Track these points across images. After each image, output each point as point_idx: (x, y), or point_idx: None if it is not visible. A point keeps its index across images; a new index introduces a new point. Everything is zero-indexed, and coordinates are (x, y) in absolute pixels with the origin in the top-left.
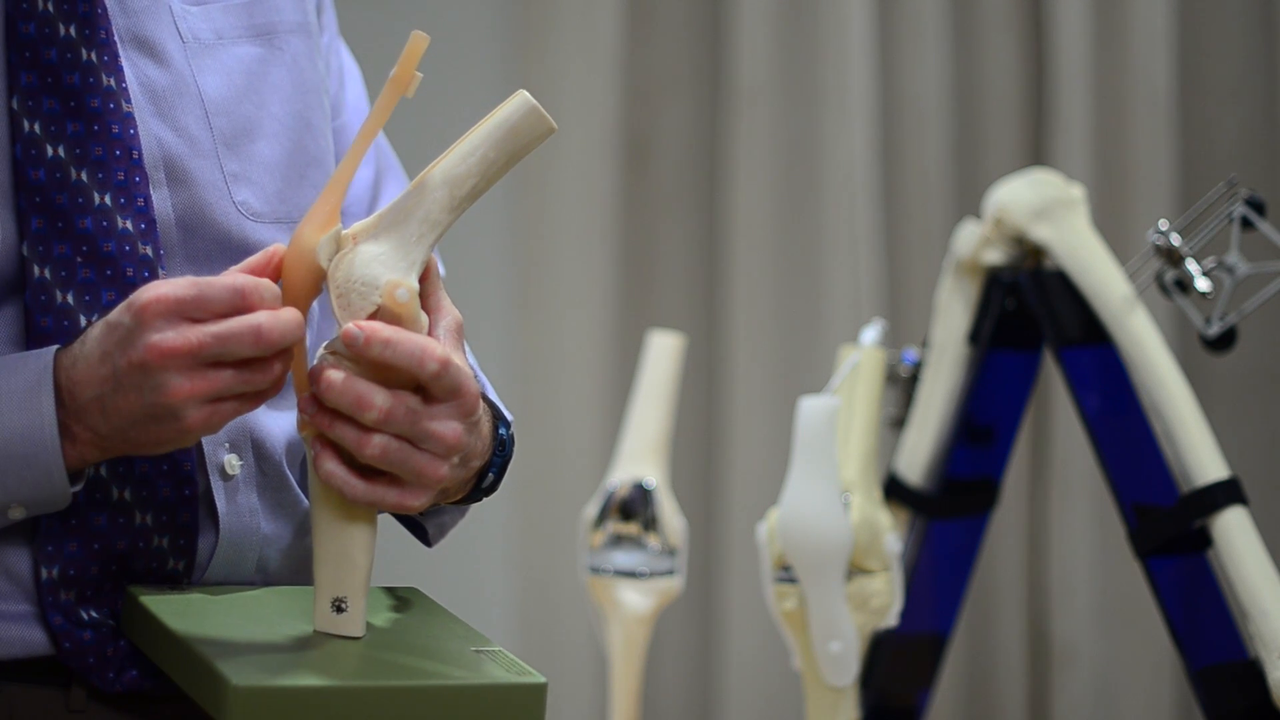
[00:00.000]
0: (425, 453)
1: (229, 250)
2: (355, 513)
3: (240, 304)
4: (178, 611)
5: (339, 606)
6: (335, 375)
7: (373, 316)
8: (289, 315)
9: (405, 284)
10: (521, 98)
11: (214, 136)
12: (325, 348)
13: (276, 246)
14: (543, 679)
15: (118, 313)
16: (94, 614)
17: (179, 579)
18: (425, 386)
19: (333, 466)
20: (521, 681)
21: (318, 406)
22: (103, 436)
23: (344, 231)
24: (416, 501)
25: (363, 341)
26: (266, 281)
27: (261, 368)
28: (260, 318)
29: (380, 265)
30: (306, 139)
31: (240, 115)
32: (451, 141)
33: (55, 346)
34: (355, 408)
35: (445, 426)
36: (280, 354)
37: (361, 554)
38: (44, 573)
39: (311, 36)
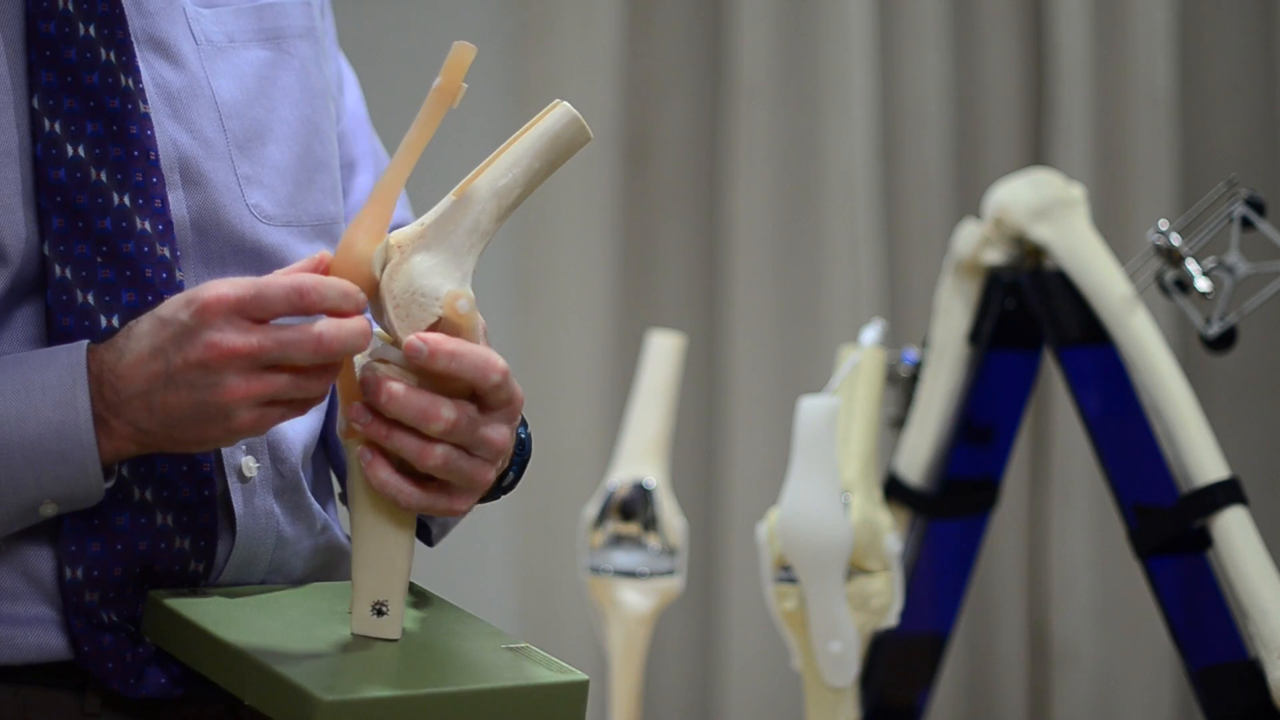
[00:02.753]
0: (477, 459)
1: (243, 253)
2: (399, 517)
3: (299, 303)
4: (214, 617)
5: (379, 610)
6: (397, 387)
7: (433, 327)
8: (353, 324)
9: (466, 295)
10: (562, 108)
11: (227, 139)
12: (372, 356)
13: (324, 253)
14: (584, 676)
15: (173, 308)
16: (114, 617)
17: (198, 581)
18: (482, 395)
19: (387, 475)
20: (567, 680)
21: (373, 415)
22: (144, 432)
23: (391, 242)
24: (465, 506)
25: (427, 354)
26: (330, 279)
27: (317, 374)
28: (322, 325)
29: (438, 276)
30: (314, 143)
31: (251, 119)
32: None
33: (85, 341)
34: (420, 420)
35: (496, 432)
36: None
37: (403, 558)
38: (68, 573)
39: (318, 42)
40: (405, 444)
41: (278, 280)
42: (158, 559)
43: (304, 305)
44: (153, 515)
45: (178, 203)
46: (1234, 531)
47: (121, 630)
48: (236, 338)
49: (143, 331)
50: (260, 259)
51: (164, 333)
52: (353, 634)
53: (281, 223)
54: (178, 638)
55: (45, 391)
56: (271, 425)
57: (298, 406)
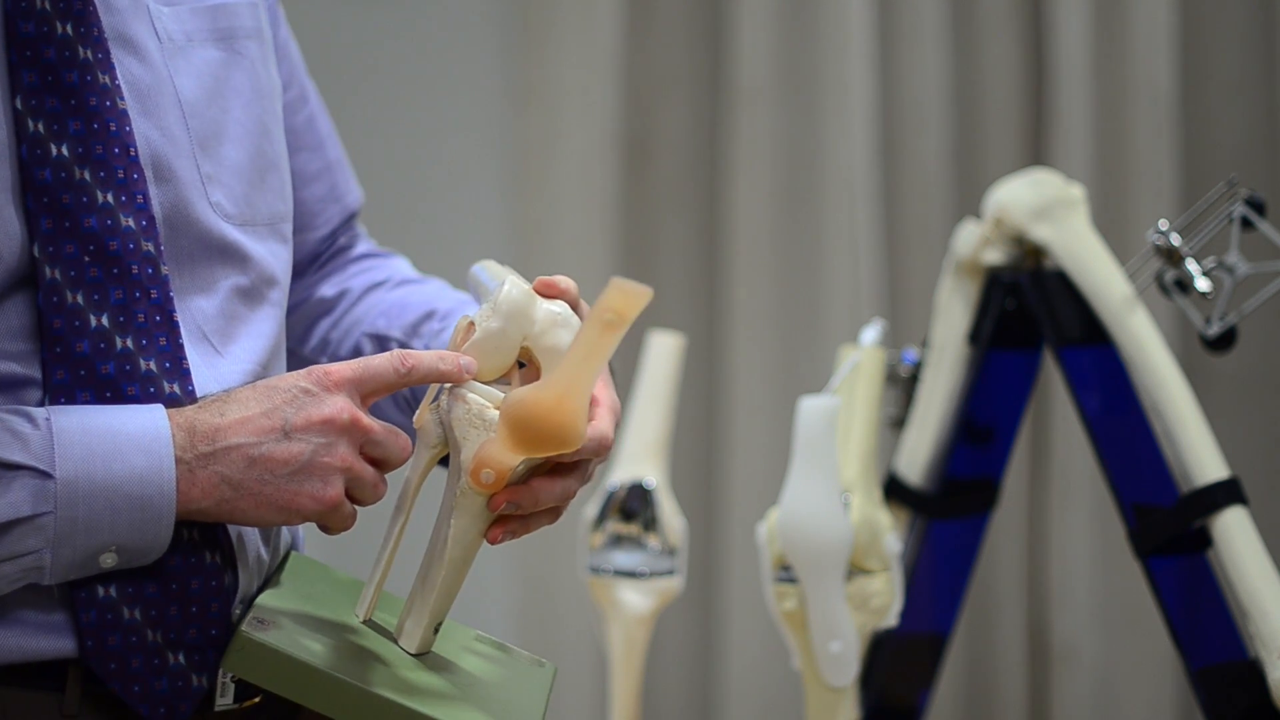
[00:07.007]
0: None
1: (209, 250)
2: (474, 556)
3: (404, 375)
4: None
5: (437, 629)
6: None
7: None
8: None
9: None
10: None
11: (190, 137)
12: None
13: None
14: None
15: (288, 379)
16: (136, 616)
17: (221, 571)
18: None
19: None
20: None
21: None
22: (232, 485)
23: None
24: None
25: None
26: (428, 354)
27: (377, 483)
28: (407, 439)
29: None
30: (265, 144)
31: (209, 118)
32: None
33: (159, 405)
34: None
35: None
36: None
37: (459, 589)
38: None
39: (265, 43)
40: (543, 520)
41: (381, 357)
42: (177, 550)
43: (408, 376)
44: None
45: (153, 199)
46: (1234, 531)
47: (134, 633)
48: (360, 412)
49: (248, 396)
50: (224, 256)
51: (277, 396)
52: (406, 649)
53: (240, 221)
54: (274, 672)
55: (132, 438)
56: (342, 520)
57: (347, 517)
